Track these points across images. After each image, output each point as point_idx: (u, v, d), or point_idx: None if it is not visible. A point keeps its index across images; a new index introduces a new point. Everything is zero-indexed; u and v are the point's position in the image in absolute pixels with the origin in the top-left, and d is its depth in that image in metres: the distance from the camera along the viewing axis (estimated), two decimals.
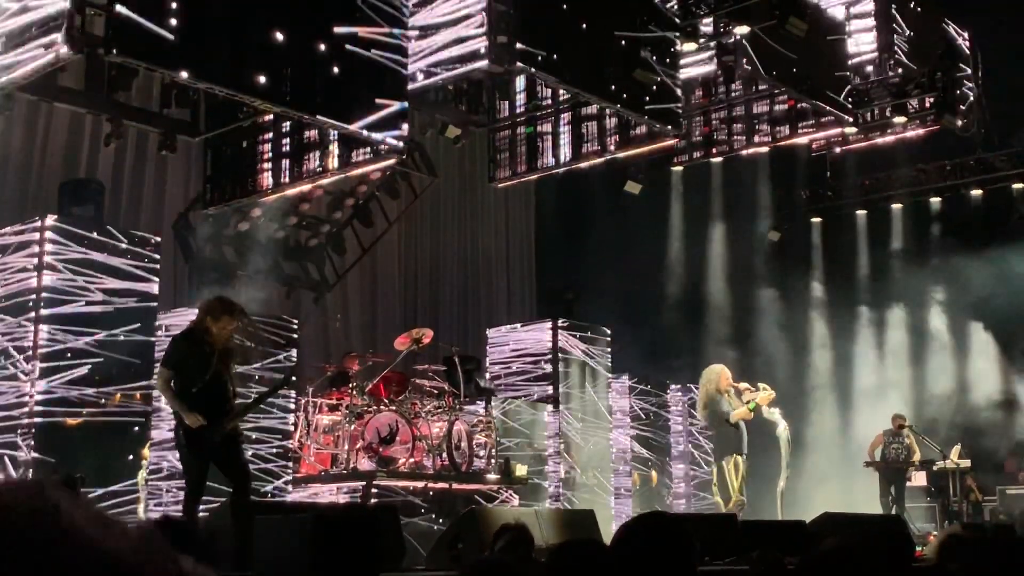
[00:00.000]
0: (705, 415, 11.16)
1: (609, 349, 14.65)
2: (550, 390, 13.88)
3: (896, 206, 18.10)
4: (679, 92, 11.59)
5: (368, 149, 10.27)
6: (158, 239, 10.54)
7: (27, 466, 9.19)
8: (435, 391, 11.76)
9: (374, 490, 10.42)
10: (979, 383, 16.68)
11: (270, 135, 11.48)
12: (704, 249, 17.71)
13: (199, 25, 8.24)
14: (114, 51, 7.79)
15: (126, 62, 8.14)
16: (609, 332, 14.73)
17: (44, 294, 9.47)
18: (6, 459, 9.33)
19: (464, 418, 11.73)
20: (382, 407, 11.02)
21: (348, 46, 9.20)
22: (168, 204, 13.80)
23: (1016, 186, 17.03)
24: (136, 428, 9.91)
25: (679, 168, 15.58)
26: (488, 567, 3.01)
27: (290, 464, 11.04)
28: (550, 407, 13.70)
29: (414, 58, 9.94)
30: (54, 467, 8.98)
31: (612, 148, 12.45)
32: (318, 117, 9.20)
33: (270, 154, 11.48)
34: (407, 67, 9.74)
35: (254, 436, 10.43)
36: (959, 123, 14.31)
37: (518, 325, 14.88)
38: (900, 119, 14.09)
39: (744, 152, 14.60)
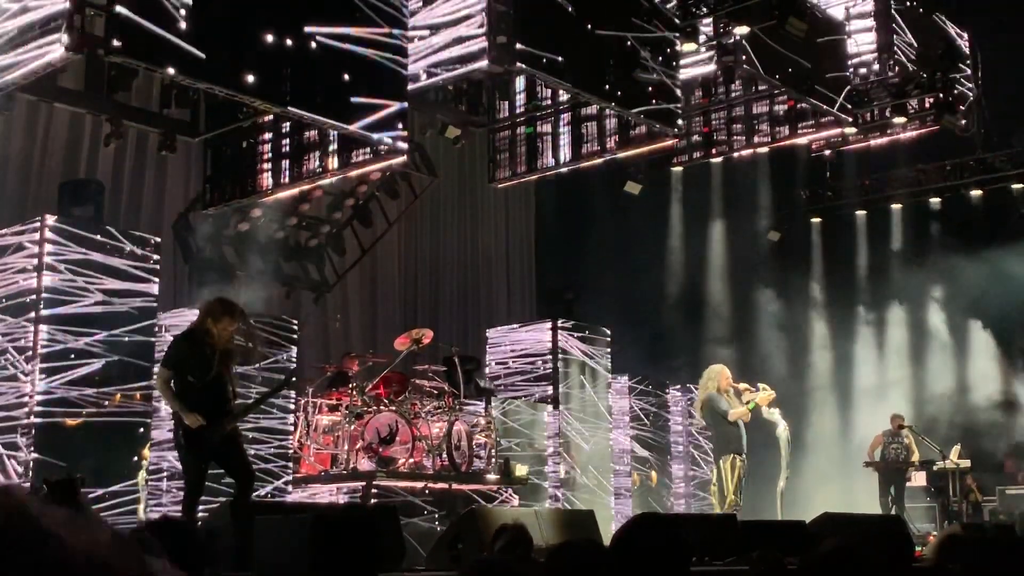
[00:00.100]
0: (704, 415, 11.16)
1: (609, 349, 14.65)
2: (550, 390, 13.88)
3: (896, 206, 18.10)
4: (679, 92, 11.59)
5: (368, 149, 10.26)
6: (158, 239, 10.54)
7: (27, 466, 9.19)
8: (435, 391, 11.76)
9: (374, 490, 10.42)
10: (979, 383, 16.69)
11: (270, 135, 11.48)
12: (704, 249, 17.72)
13: (198, 25, 8.23)
14: (113, 51, 7.78)
15: (126, 62, 8.13)
16: (609, 332, 14.73)
17: (44, 294, 9.47)
18: (6, 459, 9.33)
19: (464, 418, 11.73)
20: (382, 407, 11.02)
21: (348, 46, 9.19)
22: (168, 204, 13.80)
23: (1016, 186, 17.02)
24: (136, 428, 9.91)
25: (679, 168, 15.57)
26: (487, 567, 3.01)
27: (290, 464, 11.04)
28: (550, 407, 13.70)
29: (414, 58, 9.94)
30: (54, 468, 8.97)
31: (612, 148, 12.44)
32: (318, 118, 9.20)
33: (270, 154, 11.47)
34: (407, 67, 9.74)
35: (251, 436, 10.41)
36: (959, 123, 14.30)
37: (518, 325, 14.88)
38: (900, 119, 14.09)
39: (744, 152, 14.59)
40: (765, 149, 14.54)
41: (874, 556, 3.40)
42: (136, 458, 9.91)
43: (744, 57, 11.74)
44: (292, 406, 11.20)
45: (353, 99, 9.23)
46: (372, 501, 10.18)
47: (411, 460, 10.79)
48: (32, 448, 9.23)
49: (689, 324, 17.15)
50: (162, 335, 10.30)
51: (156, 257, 10.29)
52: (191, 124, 12.06)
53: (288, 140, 11.25)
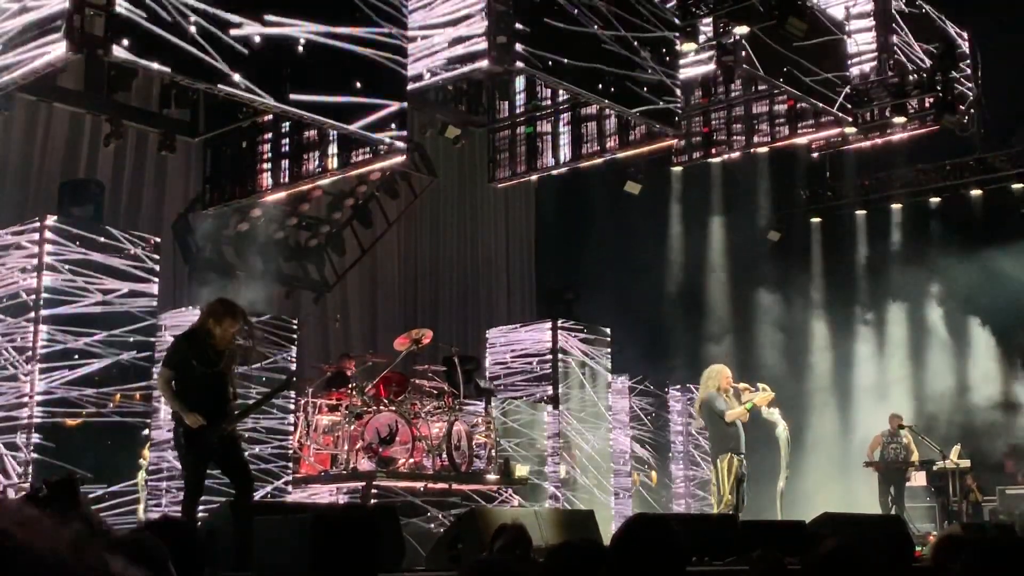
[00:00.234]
0: (702, 414, 11.17)
1: (608, 349, 14.65)
2: (550, 390, 13.89)
3: (896, 206, 18.10)
4: (679, 92, 11.59)
5: (368, 149, 10.26)
6: (158, 239, 10.55)
7: (27, 466, 9.19)
8: (435, 391, 11.76)
9: (374, 491, 10.42)
10: (979, 383, 16.69)
11: (269, 135, 11.47)
12: (704, 249, 17.71)
13: (198, 25, 8.23)
14: (113, 50, 7.78)
15: (125, 62, 8.13)
16: (608, 332, 14.73)
17: (44, 294, 9.48)
18: (6, 459, 9.33)
19: (464, 418, 11.73)
20: (382, 407, 11.02)
21: (348, 46, 9.19)
22: (168, 204, 13.80)
23: (1016, 186, 17.02)
24: (136, 429, 9.91)
25: (679, 168, 15.57)
26: (486, 567, 3.01)
27: (290, 464, 11.03)
28: (550, 407, 13.70)
29: (413, 58, 9.93)
30: (54, 468, 8.97)
31: (612, 148, 12.44)
32: (317, 118, 9.19)
33: (269, 154, 11.47)
34: (406, 67, 9.73)
35: (247, 435, 10.41)
36: (959, 123, 14.30)
37: (518, 325, 14.88)
38: (900, 119, 14.08)
39: (744, 152, 14.58)
40: (765, 149, 14.54)
41: (874, 556, 3.40)
42: (134, 458, 9.91)
43: (744, 57, 11.73)
44: (292, 406, 11.20)
45: (353, 99, 9.23)
46: (372, 501, 10.18)
47: (411, 460, 10.79)
48: (32, 448, 9.23)
49: (689, 324, 17.15)
50: (162, 335, 10.30)
51: (156, 257, 10.30)
52: (191, 124, 12.06)
53: (288, 140, 11.25)
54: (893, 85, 13.82)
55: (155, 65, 8.10)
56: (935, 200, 17.63)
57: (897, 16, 13.93)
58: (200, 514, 7.41)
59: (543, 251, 18.71)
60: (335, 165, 10.70)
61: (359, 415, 10.88)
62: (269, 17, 8.67)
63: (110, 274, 9.87)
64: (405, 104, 9.71)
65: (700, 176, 16.29)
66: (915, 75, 13.88)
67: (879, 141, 15.21)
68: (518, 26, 9.75)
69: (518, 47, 9.75)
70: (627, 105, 10.95)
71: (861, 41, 13.72)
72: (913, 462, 14.18)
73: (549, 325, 14.23)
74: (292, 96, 8.81)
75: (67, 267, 9.63)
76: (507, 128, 13.50)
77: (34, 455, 9.22)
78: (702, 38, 11.78)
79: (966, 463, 14.56)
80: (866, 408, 16.76)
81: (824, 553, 3.25)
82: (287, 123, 11.03)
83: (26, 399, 9.39)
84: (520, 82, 12.82)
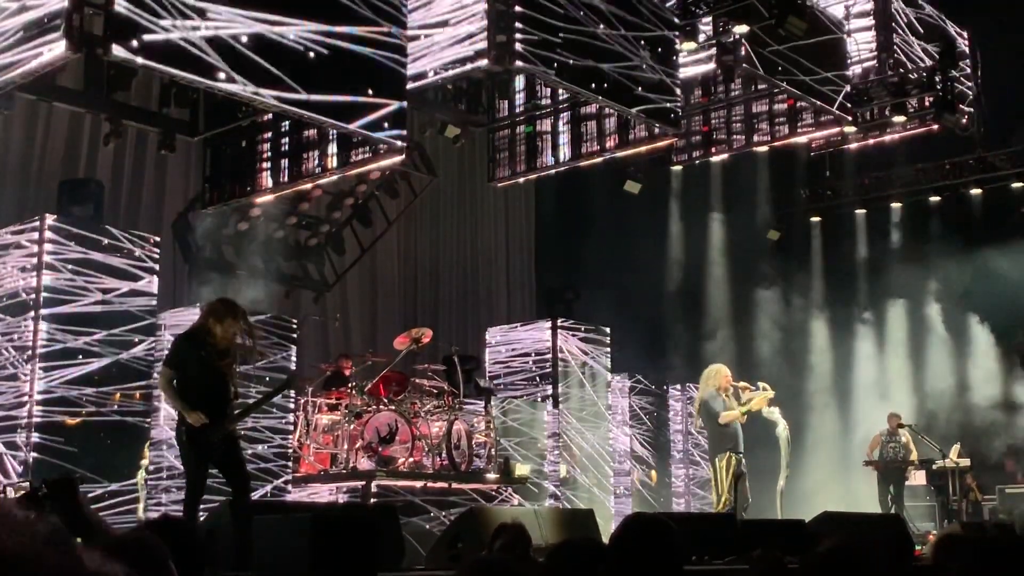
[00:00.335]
0: (700, 414, 11.20)
1: (608, 348, 14.65)
2: (549, 390, 13.89)
3: (895, 205, 18.10)
4: (678, 91, 11.59)
5: (367, 148, 10.26)
6: (157, 238, 10.55)
7: (27, 466, 9.19)
8: (434, 391, 11.76)
9: (373, 490, 10.42)
10: (979, 382, 16.69)
11: (269, 135, 11.47)
12: (703, 248, 17.71)
13: (197, 24, 8.23)
14: (112, 49, 7.78)
15: (125, 61, 8.13)
16: (608, 331, 14.73)
17: (44, 294, 9.48)
18: (6, 459, 9.33)
19: (463, 418, 11.73)
20: (381, 407, 11.03)
21: (348, 45, 9.19)
22: (167, 204, 13.81)
23: (1015, 185, 17.02)
24: (136, 428, 9.91)
25: (678, 167, 15.56)
26: (485, 566, 3.01)
27: (289, 464, 11.03)
28: (549, 406, 13.70)
29: (413, 57, 9.93)
30: (54, 467, 8.97)
31: (611, 147, 12.44)
32: (317, 116, 9.19)
33: (269, 154, 11.46)
34: (406, 66, 9.73)
35: (242, 433, 10.41)
36: (959, 122, 14.30)
37: (518, 325, 14.89)
38: (899, 118, 14.08)
39: (743, 151, 14.58)
40: (764, 148, 14.54)
41: (873, 555, 3.40)
42: (134, 457, 9.91)
43: (743, 56, 11.73)
44: (292, 405, 11.20)
45: (352, 98, 9.23)
46: (372, 501, 10.18)
47: (411, 459, 10.79)
48: (32, 447, 9.24)
49: (688, 323, 17.15)
50: (162, 334, 10.30)
51: (156, 256, 10.30)
52: (190, 123, 12.06)
53: (287, 139, 11.25)
54: (893, 84, 13.83)
55: (154, 64, 8.10)
56: (935, 199, 17.63)
57: (897, 15, 13.93)
58: (200, 514, 7.41)
59: (543, 250, 18.71)
60: (335, 164, 10.70)
61: (359, 414, 10.89)
62: (269, 16, 8.67)
63: (110, 273, 9.87)
64: (404, 103, 9.71)
65: (700, 175, 16.29)
66: (915, 74, 13.89)
67: (879, 140, 15.21)
68: (518, 25, 9.75)
69: (518, 46, 9.75)
70: (627, 104, 10.95)
71: (861, 40, 13.72)
72: (912, 461, 14.18)
73: (549, 324, 14.23)
74: (292, 95, 8.81)
75: (67, 266, 9.64)
76: (507, 127, 13.50)
77: (34, 454, 9.22)
78: (702, 37, 11.78)
79: (966, 462, 14.56)
80: (866, 407, 16.76)
81: (823, 552, 3.25)
82: (287, 122, 11.03)
83: (26, 398, 9.39)
84: (519, 81, 12.82)
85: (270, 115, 10.95)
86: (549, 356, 14.05)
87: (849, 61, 13.52)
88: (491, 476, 11.69)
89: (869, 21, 13.77)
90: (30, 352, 9.45)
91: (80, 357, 9.58)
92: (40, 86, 10.20)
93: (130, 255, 10.04)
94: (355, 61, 9.24)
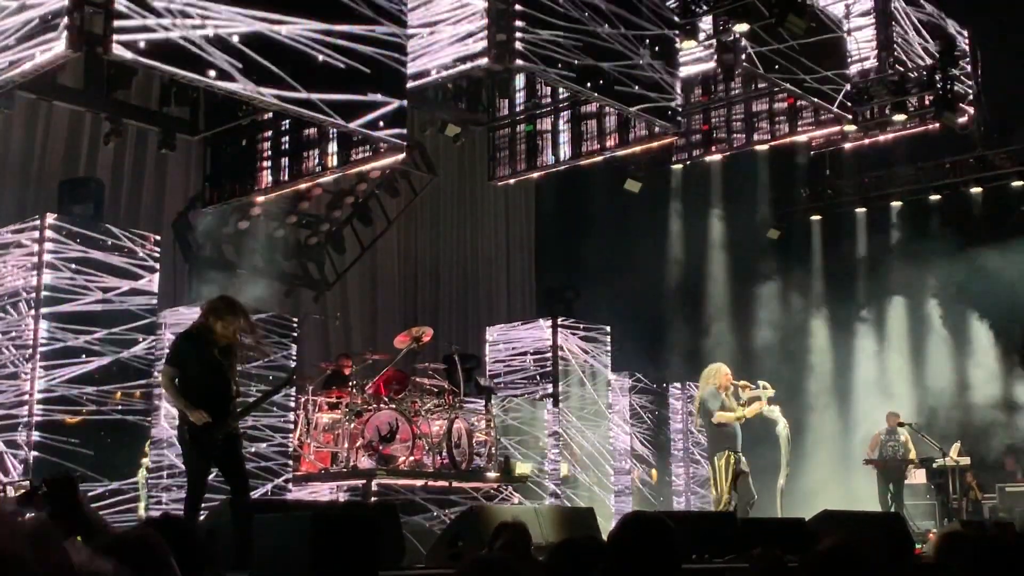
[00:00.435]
0: (700, 413, 11.24)
1: (608, 347, 14.65)
2: (550, 388, 13.89)
3: (896, 204, 18.09)
4: (678, 90, 11.58)
5: (368, 147, 10.25)
6: (158, 237, 10.55)
7: (27, 464, 9.19)
8: (435, 389, 11.76)
9: (374, 488, 10.43)
10: (979, 381, 16.68)
11: (269, 133, 11.46)
12: (703, 247, 17.71)
13: (197, 22, 8.23)
14: (112, 48, 7.78)
15: (125, 60, 8.12)
16: (609, 330, 14.73)
17: (44, 292, 9.48)
18: (6, 457, 9.33)
19: (464, 416, 11.73)
20: (382, 405, 11.03)
21: (348, 43, 9.19)
22: (168, 202, 13.81)
23: (1016, 184, 17.02)
24: (136, 427, 9.91)
25: (679, 166, 15.56)
26: (485, 565, 3.01)
27: (290, 462, 11.04)
28: (550, 405, 13.70)
29: (413, 56, 9.93)
30: (54, 466, 8.97)
31: (612, 146, 12.43)
32: (317, 115, 9.19)
33: (269, 152, 11.46)
34: (406, 65, 9.73)
35: (240, 430, 10.41)
36: (959, 121, 14.30)
37: (518, 323, 14.89)
38: (900, 117, 14.08)
39: (743, 150, 14.58)
40: (765, 147, 14.53)
41: (873, 554, 3.40)
42: (135, 456, 9.91)
43: (744, 55, 11.73)
44: (292, 404, 11.20)
45: (352, 97, 9.22)
46: (372, 499, 10.18)
47: (411, 458, 10.79)
48: (32, 446, 9.24)
49: (689, 321, 17.15)
50: (162, 333, 10.30)
51: (156, 255, 10.30)
52: (191, 122, 12.06)
53: (287, 138, 11.24)
54: (893, 83, 13.82)
55: (155, 63, 8.10)
56: (935, 198, 17.61)
57: (897, 14, 13.92)
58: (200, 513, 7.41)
59: (543, 249, 18.72)
60: (335, 163, 10.69)
61: (359, 413, 10.89)
62: (269, 14, 8.67)
63: (110, 272, 9.87)
64: (405, 102, 9.71)
65: (700, 174, 16.29)
66: (915, 73, 13.88)
67: (879, 139, 15.21)
68: (518, 23, 9.75)
69: (518, 45, 9.75)
70: (627, 103, 10.94)
71: (861, 39, 13.71)
72: (912, 460, 14.18)
73: (549, 323, 14.23)
74: (292, 94, 8.81)
75: (67, 265, 9.64)
76: (507, 126, 13.50)
77: (34, 453, 9.22)
78: (702, 36, 11.78)
79: (966, 461, 14.57)
80: (866, 406, 16.76)
81: (823, 550, 3.25)
82: (287, 121, 11.03)
83: (26, 397, 9.39)
84: (520, 80, 12.82)
85: (270, 114, 10.95)
86: (549, 355, 14.06)
87: (849, 60, 13.51)
88: (491, 475, 11.69)
89: (869, 20, 13.76)
90: (31, 351, 9.45)
91: (78, 355, 9.58)
92: (40, 85, 10.20)
93: (130, 254, 10.04)
94: (355, 59, 9.24)
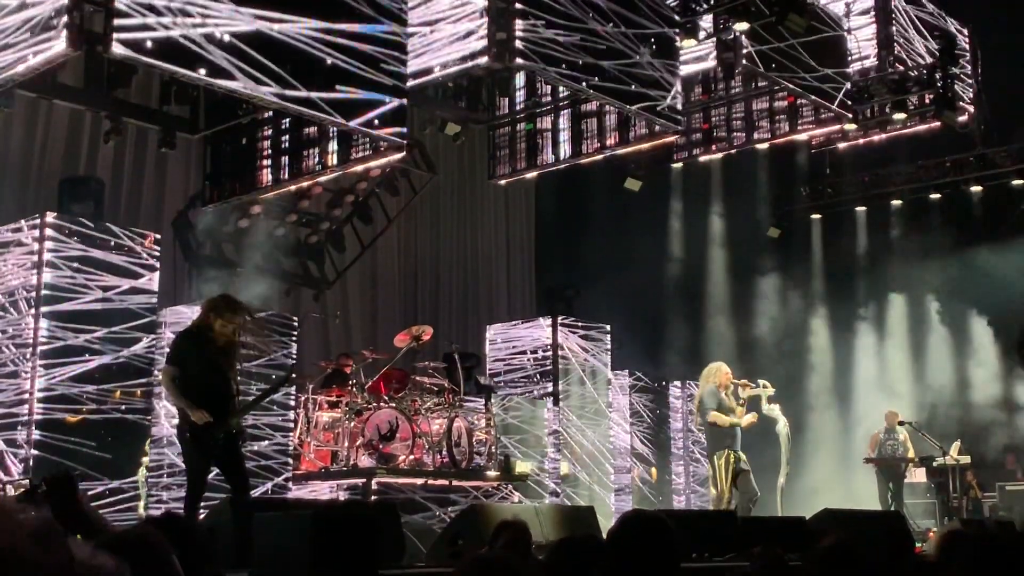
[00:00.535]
0: (699, 411, 11.26)
1: (608, 346, 14.65)
2: (550, 387, 13.89)
3: (896, 202, 18.09)
4: (679, 88, 11.58)
5: (368, 146, 10.25)
6: (158, 236, 10.54)
7: (27, 463, 9.19)
8: (435, 388, 11.76)
9: (374, 487, 10.42)
10: (979, 379, 16.68)
11: (269, 132, 11.46)
12: (703, 245, 17.71)
13: (197, 21, 8.23)
14: (112, 47, 7.77)
15: (125, 58, 8.12)
16: (609, 329, 14.72)
17: (44, 291, 9.48)
18: (6, 456, 9.33)
19: (464, 415, 11.73)
20: (382, 404, 11.03)
21: (348, 42, 9.19)
22: (168, 201, 13.81)
23: (1016, 182, 17.01)
24: (136, 425, 9.91)
25: (679, 165, 15.55)
26: (485, 563, 3.01)
27: (290, 461, 11.04)
28: (550, 404, 13.70)
29: (413, 55, 9.92)
30: (54, 464, 8.97)
31: (612, 145, 12.43)
32: (317, 114, 9.19)
33: (269, 151, 11.46)
34: (407, 63, 9.73)
35: (244, 428, 10.41)
36: (959, 119, 14.29)
37: (518, 322, 14.88)
38: (900, 115, 14.08)
39: (744, 149, 14.57)
40: (765, 145, 14.53)
41: (873, 552, 3.41)
42: (135, 454, 9.91)
43: (744, 53, 11.73)
44: (292, 403, 11.20)
45: (353, 95, 9.22)
46: (372, 498, 10.18)
47: (411, 457, 10.79)
48: (32, 445, 9.23)
49: (689, 320, 17.15)
50: (162, 332, 10.30)
51: (156, 254, 10.29)
52: (191, 121, 12.06)
53: (288, 137, 11.24)
54: (893, 81, 13.82)
55: (155, 61, 8.10)
56: (935, 196, 17.61)
57: (897, 12, 13.92)
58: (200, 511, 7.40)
59: (543, 248, 18.71)
60: (335, 162, 10.70)
61: (359, 412, 10.89)
62: (269, 13, 8.67)
63: (110, 271, 9.87)
64: (405, 101, 9.71)
65: (700, 172, 16.29)
66: (915, 71, 13.88)
67: (879, 137, 15.20)
68: (518, 22, 9.74)
69: (518, 43, 9.74)
70: (627, 102, 10.94)
71: (861, 37, 13.71)
72: (911, 458, 14.18)
73: (549, 322, 14.23)
74: (292, 92, 8.81)
75: (67, 264, 9.63)
76: (507, 125, 13.50)
77: (35, 452, 9.22)
78: (702, 34, 11.77)
79: (966, 459, 14.56)
80: (866, 404, 16.76)
81: (824, 549, 3.25)
82: (287, 119, 11.03)
83: (27, 395, 9.39)
84: (520, 78, 12.81)
85: (270, 112, 10.95)
86: (549, 353, 14.05)
87: (849, 58, 13.51)
88: (491, 473, 11.69)
89: (870, 18, 13.76)
90: (31, 349, 9.45)
91: (78, 354, 9.58)
92: (40, 84, 10.20)
93: (131, 252, 10.04)
94: (355, 58, 9.24)
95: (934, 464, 14.27)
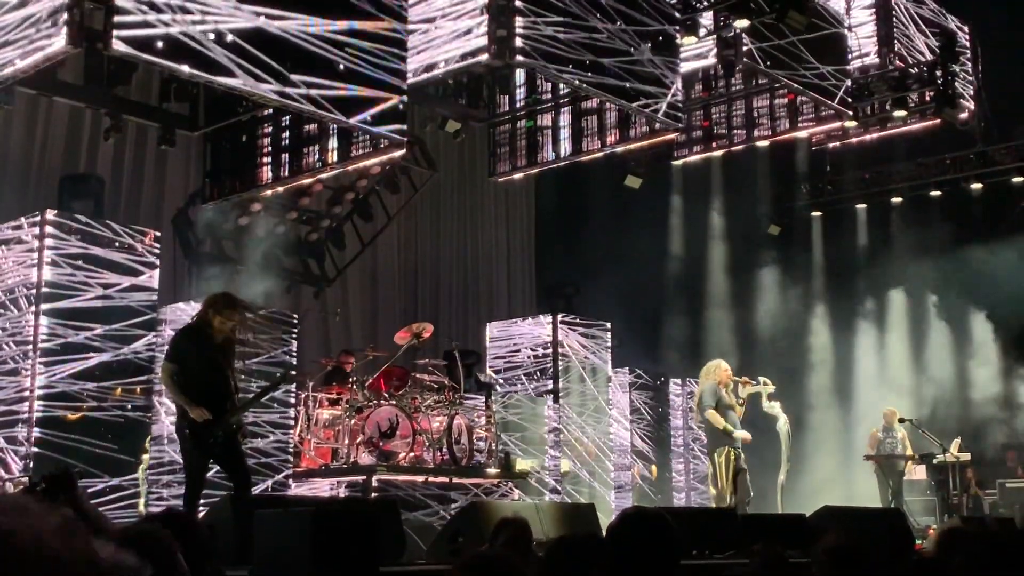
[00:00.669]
0: (698, 409, 11.27)
1: (609, 343, 14.64)
2: (550, 384, 13.88)
3: (896, 200, 18.09)
4: (679, 86, 11.57)
5: (368, 143, 10.25)
6: (158, 233, 10.53)
7: (27, 460, 9.19)
8: (435, 385, 11.76)
9: (374, 484, 10.43)
10: (979, 377, 16.69)
11: (269, 129, 11.46)
12: (704, 243, 17.71)
13: (197, 18, 8.22)
14: (112, 44, 7.77)
15: (125, 56, 8.12)
16: (609, 326, 14.72)
17: (44, 288, 9.47)
18: (7, 453, 9.34)
19: (464, 412, 11.73)
20: (382, 401, 11.03)
21: (348, 39, 9.18)
22: (168, 199, 13.81)
23: (1016, 180, 17.01)
24: (136, 423, 9.91)
25: (679, 162, 15.55)
26: (485, 561, 3.01)
27: (290, 458, 11.04)
28: (550, 401, 13.70)
29: (413, 52, 9.92)
30: (54, 462, 8.97)
31: (612, 142, 12.43)
32: (317, 111, 9.18)
33: (269, 148, 11.46)
34: (407, 61, 9.72)
35: (236, 424, 10.41)
36: (959, 117, 14.29)
37: (518, 319, 14.88)
38: (900, 113, 14.08)
39: (744, 146, 14.57)
40: (765, 143, 14.53)
41: (873, 550, 3.41)
42: (135, 452, 9.91)
43: (744, 50, 11.73)
44: (293, 400, 11.20)
45: (353, 92, 9.22)
46: (372, 495, 10.19)
47: (411, 454, 10.79)
48: (32, 442, 9.23)
49: (689, 318, 17.15)
50: (162, 329, 10.30)
51: (156, 251, 10.29)
52: (191, 118, 12.06)
53: (288, 134, 11.24)
54: (893, 79, 13.82)
55: (155, 59, 8.09)
56: (935, 194, 17.61)
57: (897, 10, 13.92)
58: (200, 508, 7.41)
59: (543, 245, 18.71)
60: (335, 159, 10.70)
61: (359, 409, 10.89)
62: (269, 10, 8.66)
63: (110, 268, 9.86)
64: (405, 98, 9.70)
65: (700, 170, 16.29)
66: (916, 69, 13.88)
67: (879, 135, 15.20)
68: (518, 19, 9.74)
69: (518, 41, 9.74)
70: (627, 99, 10.94)
71: (862, 35, 13.71)
72: (911, 456, 14.19)
73: (549, 319, 14.22)
74: (292, 90, 8.80)
75: (67, 261, 9.63)
76: (507, 122, 13.50)
77: (35, 449, 9.22)
78: (702, 32, 11.77)
79: (966, 456, 14.57)
80: (866, 401, 16.76)
81: (826, 548, 3.25)
82: (287, 117, 11.02)
83: (26, 393, 9.39)
84: (520, 76, 12.81)
85: (270, 109, 10.94)
86: (549, 351, 14.05)
87: (850, 56, 13.50)
88: (492, 471, 11.69)
89: (870, 15, 13.76)
90: (31, 347, 9.45)
91: (78, 352, 9.57)
92: (40, 81, 10.20)
93: (131, 250, 10.03)
94: (355, 55, 9.23)
95: (934, 461, 14.28)
